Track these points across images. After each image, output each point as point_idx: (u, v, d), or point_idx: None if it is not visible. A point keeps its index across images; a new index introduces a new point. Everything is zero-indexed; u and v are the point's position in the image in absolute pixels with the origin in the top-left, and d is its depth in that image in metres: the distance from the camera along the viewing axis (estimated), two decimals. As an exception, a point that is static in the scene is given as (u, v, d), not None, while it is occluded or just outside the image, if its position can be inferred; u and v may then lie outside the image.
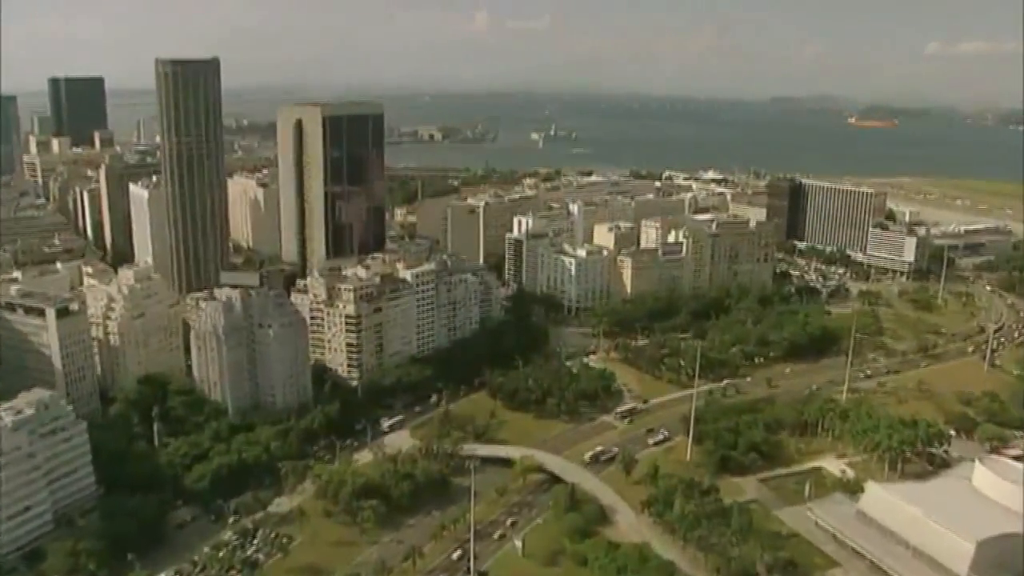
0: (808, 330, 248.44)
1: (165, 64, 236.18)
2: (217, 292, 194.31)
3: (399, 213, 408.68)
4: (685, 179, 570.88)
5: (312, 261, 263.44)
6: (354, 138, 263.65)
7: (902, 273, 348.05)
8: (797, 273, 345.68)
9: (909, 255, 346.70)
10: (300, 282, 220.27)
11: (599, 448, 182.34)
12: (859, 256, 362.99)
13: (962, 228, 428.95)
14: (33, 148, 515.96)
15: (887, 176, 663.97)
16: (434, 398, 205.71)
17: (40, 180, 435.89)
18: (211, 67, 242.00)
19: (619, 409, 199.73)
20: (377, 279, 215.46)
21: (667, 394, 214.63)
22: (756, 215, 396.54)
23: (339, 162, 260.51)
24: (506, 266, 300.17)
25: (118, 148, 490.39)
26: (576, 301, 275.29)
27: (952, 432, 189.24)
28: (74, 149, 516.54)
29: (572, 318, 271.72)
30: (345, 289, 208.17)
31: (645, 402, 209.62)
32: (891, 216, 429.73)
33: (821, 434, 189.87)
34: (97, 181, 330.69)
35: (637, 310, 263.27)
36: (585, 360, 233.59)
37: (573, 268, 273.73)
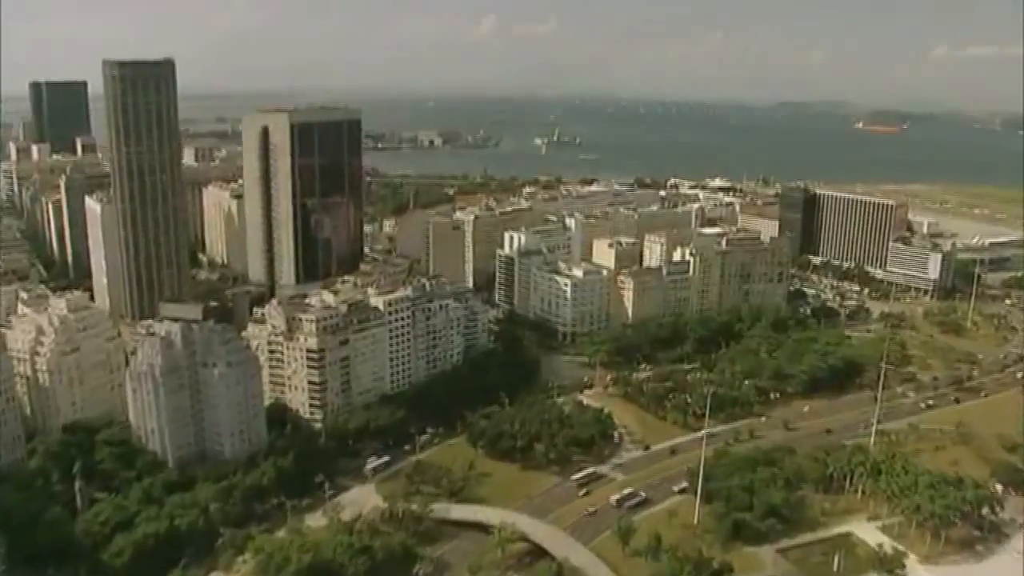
0: (828, 361, 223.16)
1: (112, 66, 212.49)
2: (156, 326, 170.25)
3: (388, 225, 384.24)
4: (691, 187, 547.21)
5: (280, 282, 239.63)
6: (327, 147, 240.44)
7: (925, 291, 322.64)
8: (813, 291, 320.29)
9: (933, 272, 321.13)
10: (258, 310, 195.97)
11: (627, 491, 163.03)
12: (878, 273, 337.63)
13: (986, 241, 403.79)
14: (13, 154, 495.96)
15: (900, 183, 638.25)
16: (428, 434, 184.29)
17: (16, 189, 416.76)
18: (164, 69, 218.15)
19: (576, 476, 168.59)
20: (344, 307, 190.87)
21: (672, 437, 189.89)
22: (767, 228, 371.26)
23: (310, 173, 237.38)
24: (496, 286, 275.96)
25: (100, 155, 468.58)
26: (572, 326, 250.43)
27: (999, 487, 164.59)
28: (53, 156, 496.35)
29: (567, 345, 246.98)
30: (306, 320, 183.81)
31: (647, 448, 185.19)
32: (910, 227, 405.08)
33: (849, 490, 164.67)
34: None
35: (639, 337, 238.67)
36: (580, 396, 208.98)
37: (569, 289, 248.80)
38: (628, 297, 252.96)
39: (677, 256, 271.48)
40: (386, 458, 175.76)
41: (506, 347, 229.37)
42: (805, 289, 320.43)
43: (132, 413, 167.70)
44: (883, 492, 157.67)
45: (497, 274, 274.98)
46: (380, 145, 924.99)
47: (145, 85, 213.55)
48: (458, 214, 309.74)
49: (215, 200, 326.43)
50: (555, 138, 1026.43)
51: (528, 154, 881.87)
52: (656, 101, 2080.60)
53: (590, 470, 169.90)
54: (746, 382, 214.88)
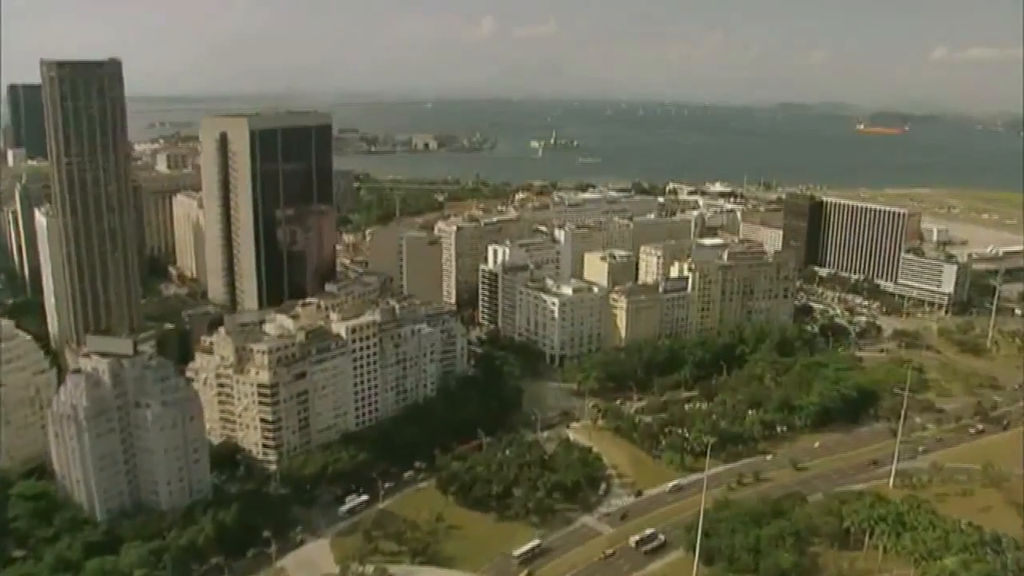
0: (840, 389, 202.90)
1: (50, 66, 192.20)
2: (83, 362, 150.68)
3: (369, 234, 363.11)
4: (691, 193, 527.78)
5: (242, 303, 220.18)
6: (292, 154, 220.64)
7: (939, 305, 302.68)
8: (820, 306, 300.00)
9: (948, 285, 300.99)
10: (205, 339, 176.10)
11: (648, 531, 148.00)
12: (889, 286, 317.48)
13: (1000, 250, 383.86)
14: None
15: (904, 187, 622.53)
16: (415, 468, 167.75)
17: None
18: (109, 70, 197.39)
19: (516, 552, 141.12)
20: (302, 335, 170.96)
21: (667, 480, 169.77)
22: (771, 238, 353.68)
23: (274, 184, 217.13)
24: (479, 305, 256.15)
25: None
26: (560, 349, 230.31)
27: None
28: (29, 161, 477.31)
29: (555, 370, 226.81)
30: (258, 351, 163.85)
31: (639, 494, 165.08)
32: (919, 235, 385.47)
33: (869, 545, 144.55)
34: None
35: (632, 361, 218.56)
36: (567, 431, 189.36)
37: (556, 309, 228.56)
38: (621, 317, 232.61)
39: (675, 271, 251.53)
40: (364, 497, 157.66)
41: (487, 374, 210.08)
42: (812, 304, 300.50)
43: (56, 461, 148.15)
44: (910, 554, 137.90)
45: (480, 291, 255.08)
46: (374, 149, 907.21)
47: (87, 87, 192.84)
48: (440, 225, 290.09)
49: (184, 210, 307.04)
50: (553, 141, 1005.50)
51: (525, 158, 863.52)
52: (656, 103, 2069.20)
53: (535, 543, 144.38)
54: (749, 413, 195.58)
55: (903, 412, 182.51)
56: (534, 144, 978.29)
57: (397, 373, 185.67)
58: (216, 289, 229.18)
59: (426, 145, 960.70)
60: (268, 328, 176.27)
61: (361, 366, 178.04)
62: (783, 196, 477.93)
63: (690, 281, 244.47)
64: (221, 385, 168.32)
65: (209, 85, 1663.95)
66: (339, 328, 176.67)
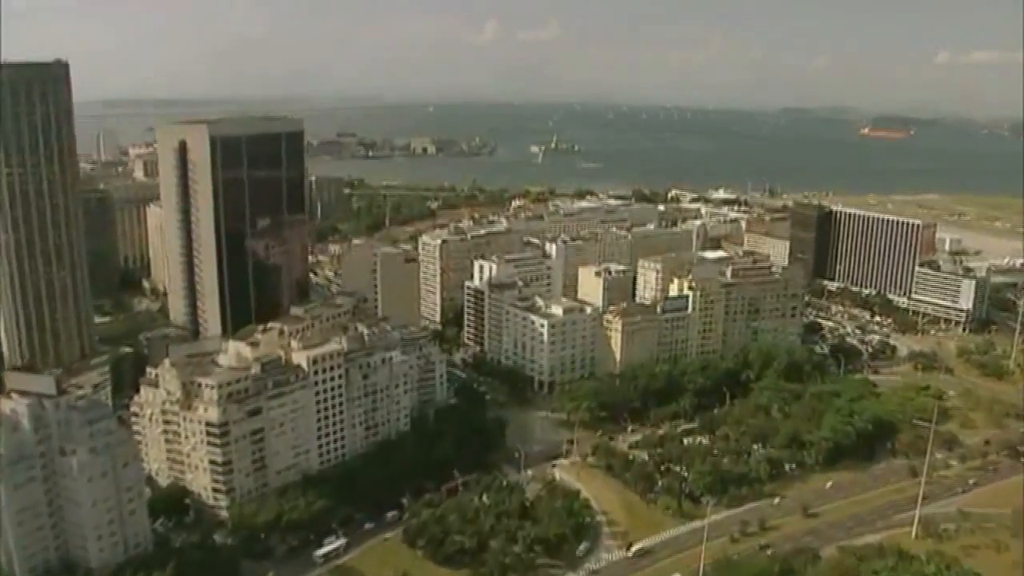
0: (854, 423, 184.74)
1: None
2: (2, 403, 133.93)
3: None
4: (693, 200, 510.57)
5: (206, 323, 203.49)
6: (259, 163, 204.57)
7: (956, 322, 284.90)
8: (830, 323, 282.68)
9: (966, 301, 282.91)
10: (151, 371, 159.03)
11: None
12: (902, 301, 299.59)
13: (1017, 261, 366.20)
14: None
15: (911, 193, 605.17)
16: (401, 507, 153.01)
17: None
18: (54, 73, 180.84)
19: None
20: (257, 367, 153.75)
21: (664, 529, 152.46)
22: (776, 249, 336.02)
23: (238, 195, 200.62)
24: (464, 324, 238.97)
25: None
26: (549, 374, 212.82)
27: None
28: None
29: (543, 397, 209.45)
30: (206, 386, 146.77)
31: (629, 546, 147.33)
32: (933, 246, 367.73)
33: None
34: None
35: (627, 389, 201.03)
36: (552, 468, 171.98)
37: (545, 331, 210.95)
38: (616, 340, 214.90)
39: (675, 288, 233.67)
40: (343, 541, 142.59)
41: (468, 403, 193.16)
42: (820, 320, 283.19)
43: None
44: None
45: (465, 311, 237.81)
46: (371, 153, 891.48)
47: (29, 91, 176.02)
48: (424, 238, 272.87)
49: (157, 220, 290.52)
50: (553, 145, 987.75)
51: (524, 162, 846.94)
52: (657, 106, 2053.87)
53: None
54: (755, 447, 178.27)
55: (929, 450, 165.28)
56: (534, 149, 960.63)
57: (366, 406, 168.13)
58: (178, 310, 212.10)
59: (424, 149, 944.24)
60: (221, 359, 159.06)
61: (325, 400, 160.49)
62: (789, 204, 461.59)
63: (691, 300, 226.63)
64: (167, 422, 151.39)
65: (209, 88, 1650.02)
66: (300, 358, 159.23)
